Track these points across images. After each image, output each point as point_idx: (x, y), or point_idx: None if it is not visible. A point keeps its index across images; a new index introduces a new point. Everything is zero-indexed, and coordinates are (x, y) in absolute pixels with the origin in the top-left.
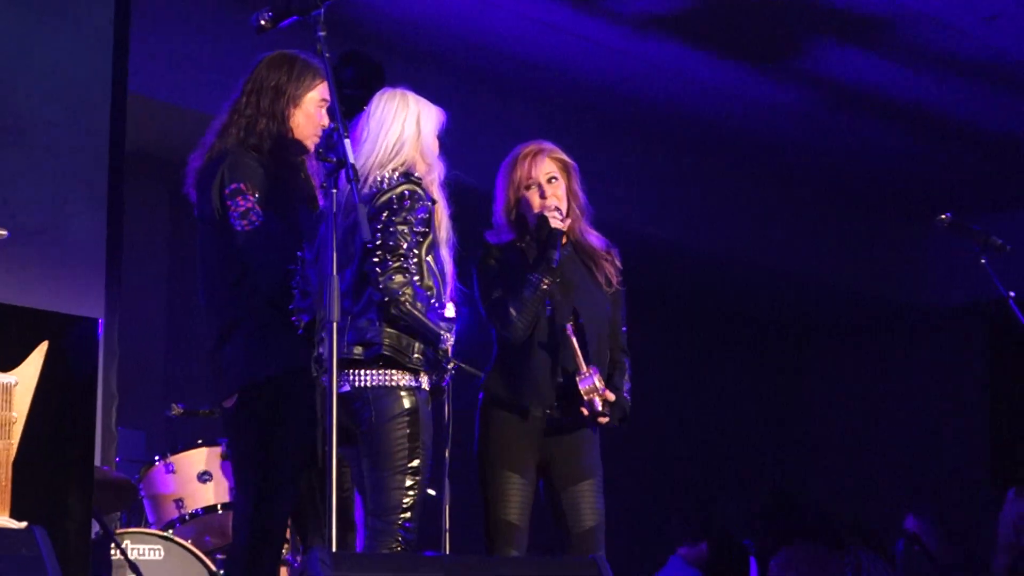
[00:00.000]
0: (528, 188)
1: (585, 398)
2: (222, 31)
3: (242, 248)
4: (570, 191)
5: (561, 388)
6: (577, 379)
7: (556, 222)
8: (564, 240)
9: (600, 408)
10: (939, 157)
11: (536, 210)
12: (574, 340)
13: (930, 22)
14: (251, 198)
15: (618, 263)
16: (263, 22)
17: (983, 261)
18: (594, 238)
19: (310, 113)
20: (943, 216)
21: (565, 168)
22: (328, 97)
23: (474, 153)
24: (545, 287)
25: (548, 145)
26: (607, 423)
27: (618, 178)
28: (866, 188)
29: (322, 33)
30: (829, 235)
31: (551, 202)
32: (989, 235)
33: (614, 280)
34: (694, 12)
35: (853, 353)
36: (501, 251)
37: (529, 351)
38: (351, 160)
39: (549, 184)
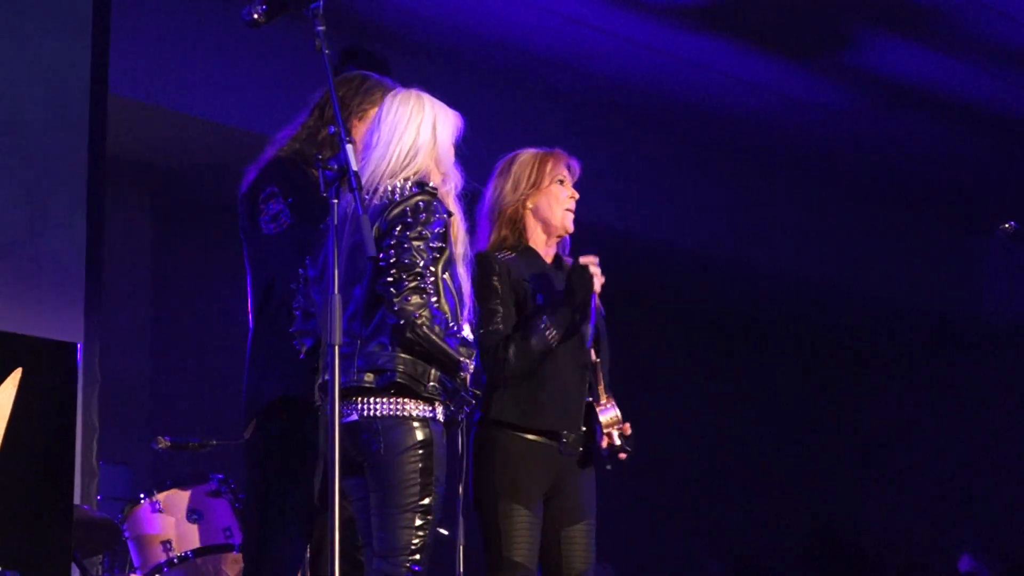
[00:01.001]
0: (561, 182)
1: (605, 431)
2: (207, 29)
3: (269, 254)
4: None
5: (583, 413)
6: (597, 409)
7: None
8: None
9: (618, 443)
10: (999, 160)
11: (561, 206)
12: (598, 368)
13: (988, 11)
14: (283, 201)
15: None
16: (256, 16)
17: None
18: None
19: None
20: (1006, 225)
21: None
22: None
23: (487, 156)
24: (552, 343)
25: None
26: (625, 458)
27: (645, 182)
28: (920, 194)
29: (321, 27)
30: (879, 246)
31: (571, 204)
32: None
33: (597, 303)
34: (727, 2)
35: (906, 375)
36: (506, 263)
37: (547, 371)
38: (354, 167)
39: (575, 191)
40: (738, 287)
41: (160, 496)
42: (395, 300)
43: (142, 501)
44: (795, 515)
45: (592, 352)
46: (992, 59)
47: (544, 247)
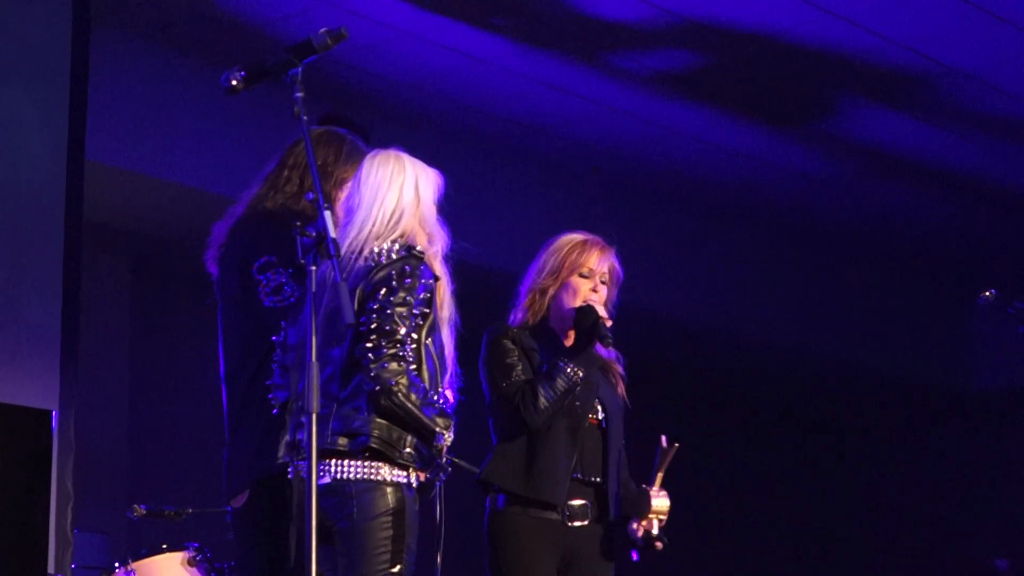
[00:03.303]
0: (584, 276)
1: (652, 518)
2: (185, 95)
3: (270, 326)
4: (609, 300)
5: (586, 487)
6: (651, 493)
7: (602, 311)
8: None
9: (656, 532)
10: (982, 228)
11: (579, 300)
12: (670, 456)
13: (971, 80)
14: (284, 273)
15: (622, 371)
16: (234, 82)
17: None
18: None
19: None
20: (987, 293)
21: (615, 278)
22: None
23: (469, 222)
24: (579, 380)
25: (611, 246)
26: (660, 548)
27: (627, 251)
28: (903, 263)
29: (299, 94)
30: (862, 314)
31: (596, 298)
32: None
33: (622, 388)
34: (710, 70)
35: (889, 446)
36: (519, 332)
37: (551, 443)
38: (332, 235)
39: (602, 284)
40: (721, 355)
41: (135, 565)
42: (372, 366)
43: (116, 570)
44: None
45: (664, 439)
46: (975, 127)
47: (560, 331)
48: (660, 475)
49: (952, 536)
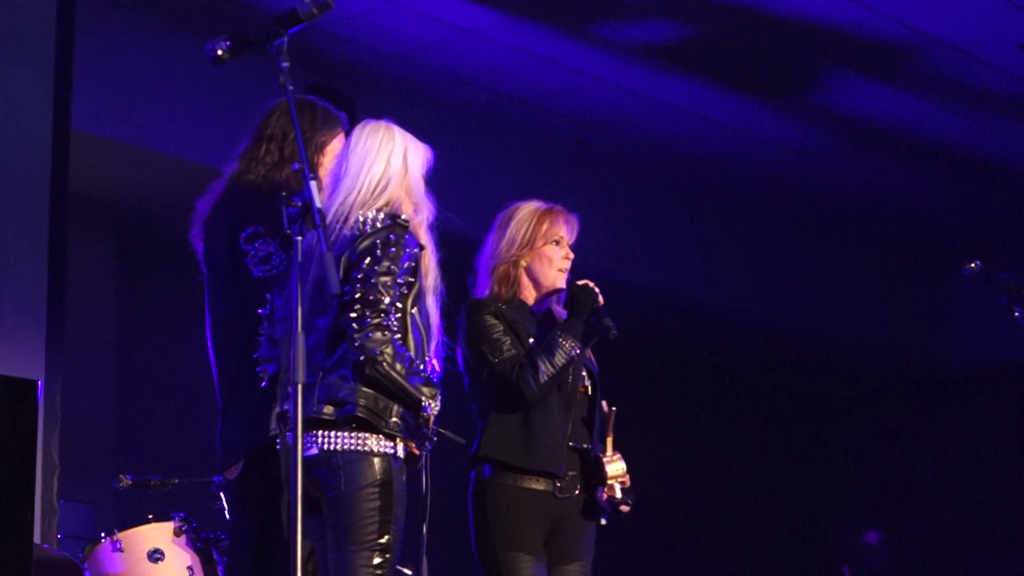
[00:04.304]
0: (557, 243)
1: (609, 482)
2: (171, 65)
3: (260, 296)
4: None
5: (576, 458)
6: (604, 460)
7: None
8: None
9: (619, 496)
10: (968, 200)
11: (554, 268)
12: (612, 420)
13: (957, 53)
14: (272, 242)
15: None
16: (220, 52)
17: (1016, 315)
18: None
19: (332, 163)
20: (972, 264)
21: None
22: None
23: (453, 193)
24: (575, 355)
25: (573, 213)
26: (626, 512)
27: (611, 223)
28: (887, 235)
29: (285, 64)
30: (846, 287)
31: (568, 265)
32: (1022, 286)
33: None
34: (697, 42)
35: (873, 421)
36: (499, 307)
37: (548, 414)
38: (318, 204)
39: (570, 251)
40: (704, 328)
41: (121, 535)
42: (357, 336)
43: (103, 540)
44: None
45: (604, 404)
46: (960, 100)
47: (535, 302)
48: (609, 440)
49: (935, 508)
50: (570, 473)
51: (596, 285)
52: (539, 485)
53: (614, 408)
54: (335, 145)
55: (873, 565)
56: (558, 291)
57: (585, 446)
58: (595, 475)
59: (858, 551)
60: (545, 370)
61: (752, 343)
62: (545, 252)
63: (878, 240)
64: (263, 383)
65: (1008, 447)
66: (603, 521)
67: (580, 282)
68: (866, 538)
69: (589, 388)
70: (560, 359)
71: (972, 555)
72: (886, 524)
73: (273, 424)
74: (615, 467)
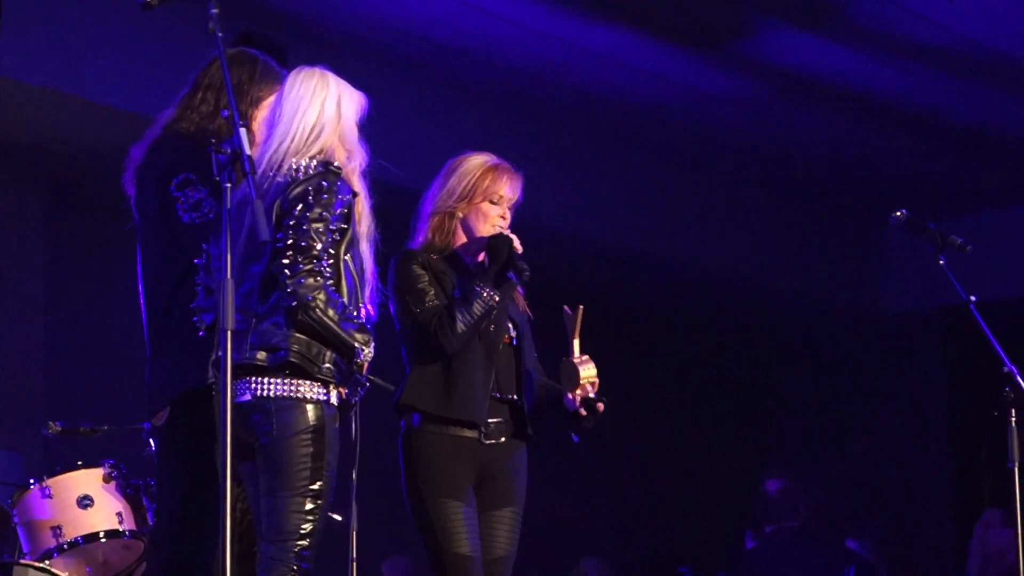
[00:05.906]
0: (494, 202)
1: (584, 383)
2: (101, 12)
3: (191, 242)
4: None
5: (501, 405)
6: (576, 363)
7: (518, 244)
8: None
9: (593, 395)
10: (896, 151)
11: (489, 225)
12: (579, 321)
13: (888, 4)
14: (203, 189)
15: (522, 290)
16: None
17: (941, 263)
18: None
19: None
20: (898, 213)
21: (517, 203)
22: None
23: (388, 142)
24: (495, 304)
25: (519, 172)
26: (601, 410)
27: (545, 173)
28: (815, 185)
29: (215, 10)
30: (774, 236)
31: (505, 224)
32: (948, 234)
33: (523, 302)
34: None
35: (800, 368)
36: (428, 257)
37: (469, 364)
38: (248, 152)
39: (509, 210)
40: (639, 278)
41: (50, 481)
42: (289, 282)
43: (32, 487)
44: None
45: (567, 308)
46: (891, 51)
47: (467, 254)
48: (576, 342)
49: (863, 455)
50: (495, 420)
51: (520, 234)
52: (465, 432)
53: (581, 307)
54: (272, 101)
55: (770, 513)
56: (482, 245)
57: (512, 396)
58: (567, 381)
59: (760, 501)
60: (463, 319)
61: (680, 292)
62: (482, 208)
63: (805, 190)
64: (200, 332)
65: (932, 394)
66: (575, 439)
67: (496, 233)
68: (766, 486)
69: (515, 339)
70: (478, 309)
71: (887, 502)
72: (801, 473)
73: (210, 371)
74: (588, 369)
